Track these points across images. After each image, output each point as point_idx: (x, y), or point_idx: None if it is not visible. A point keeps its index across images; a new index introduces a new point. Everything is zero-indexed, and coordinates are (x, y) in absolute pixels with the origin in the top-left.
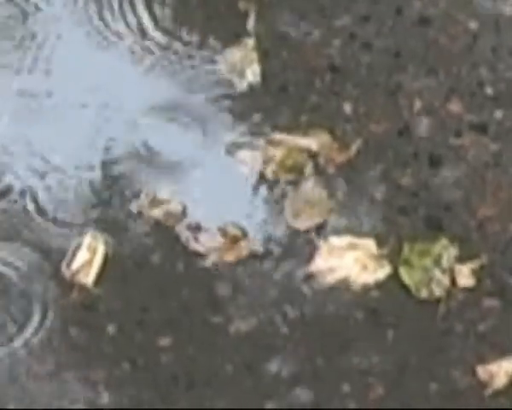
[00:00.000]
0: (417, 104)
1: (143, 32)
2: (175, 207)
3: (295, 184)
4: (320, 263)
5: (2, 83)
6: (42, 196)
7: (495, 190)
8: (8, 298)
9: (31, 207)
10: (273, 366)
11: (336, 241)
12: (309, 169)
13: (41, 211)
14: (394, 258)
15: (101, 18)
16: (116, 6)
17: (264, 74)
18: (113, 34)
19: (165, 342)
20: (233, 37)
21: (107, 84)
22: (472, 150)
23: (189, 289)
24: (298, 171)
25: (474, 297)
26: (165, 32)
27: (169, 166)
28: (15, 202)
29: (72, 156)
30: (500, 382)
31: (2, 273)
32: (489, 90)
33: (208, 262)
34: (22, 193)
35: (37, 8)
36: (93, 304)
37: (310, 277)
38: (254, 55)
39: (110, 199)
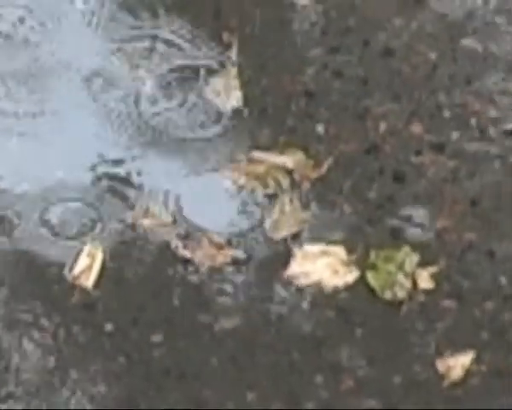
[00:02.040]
0: (382, 126)
1: None
2: (166, 217)
3: (273, 197)
4: (295, 268)
5: None
6: (45, 209)
7: (452, 204)
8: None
9: (35, 219)
10: (254, 360)
11: (310, 248)
12: (285, 184)
13: (45, 222)
14: (362, 263)
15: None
16: None
17: (245, 99)
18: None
19: (157, 338)
20: (218, 65)
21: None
22: (431, 167)
23: (179, 291)
24: (276, 186)
25: (433, 299)
26: (161, 58)
27: (160, 181)
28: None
29: (72, 173)
30: (456, 374)
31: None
32: (446, 114)
33: (196, 267)
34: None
35: None
36: (93, 304)
37: (286, 280)
38: (237, 82)
39: (107, 211)
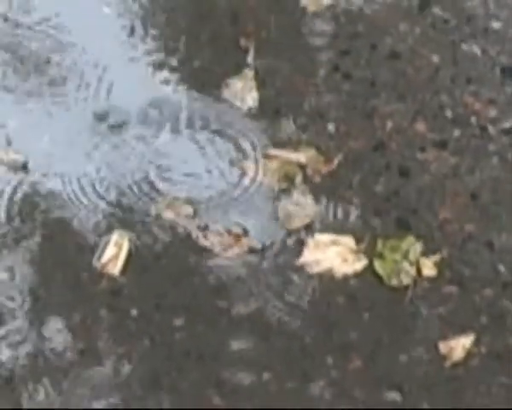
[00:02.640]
0: (389, 125)
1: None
2: (187, 210)
3: (287, 191)
4: (308, 256)
5: None
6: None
7: (453, 197)
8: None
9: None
10: (269, 342)
11: (321, 238)
12: (299, 179)
13: (75, 215)
14: (369, 252)
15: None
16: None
17: (261, 100)
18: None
19: (178, 322)
20: (236, 69)
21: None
22: (434, 163)
23: (199, 278)
24: (289, 180)
25: (436, 285)
26: (179, 63)
27: (182, 175)
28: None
29: (105, 169)
30: (458, 355)
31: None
32: (448, 113)
33: (214, 256)
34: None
35: None
36: (119, 290)
37: (299, 268)
38: (253, 84)
39: (133, 204)
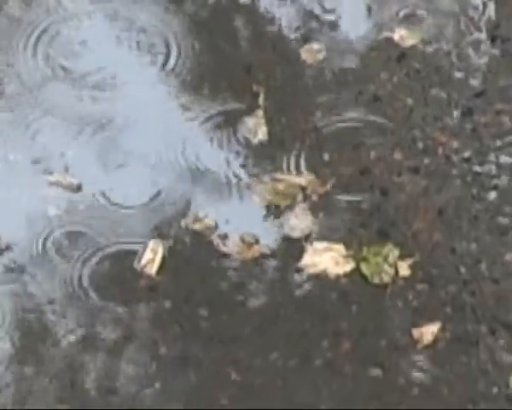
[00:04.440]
0: (372, 154)
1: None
2: (210, 222)
3: (291, 207)
4: (307, 260)
5: None
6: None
7: (424, 212)
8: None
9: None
10: (276, 329)
11: (318, 245)
12: (300, 198)
13: (119, 224)
14: (356, 257)
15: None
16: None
17: (270, 134)
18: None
19: (203, 313)
20: (249, 109)
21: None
22: (409, 185)
23: (220, 277)
24: (292, 199)
25: (410, 283)
26: (204, 106)
27: (206, 197)
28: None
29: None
30: (427, 339)
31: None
32: (420, 145)
33: (232, 260)
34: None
35: None
36: (155, 287)
37: (300, 269)
38: (263, 121)
39: (167, 217)
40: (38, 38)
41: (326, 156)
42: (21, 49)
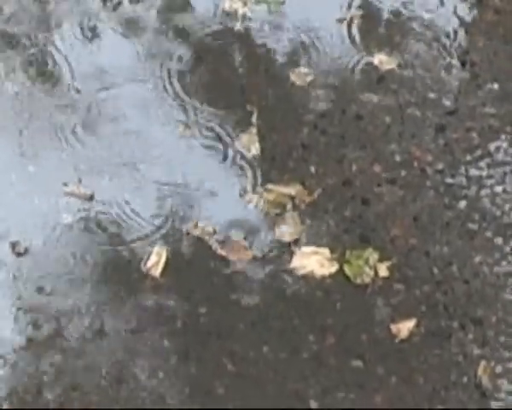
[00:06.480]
0: (354, 167)
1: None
2: (209, 228)
3: (281, 215)
4: (296, 262)
5: None
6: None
7: (401, 220)
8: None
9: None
10: (268, 324)
11: (306, 249)
12: (289, 206)
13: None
14: (340, 259)
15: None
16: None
17: (262, 149)
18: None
19: (203, 310)
20: (243, 127)
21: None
22: (387, 195)
23: (217, 278)
24: (282, 207)
25: (388, 283)
26: (200, 125)
27: (206, 205)
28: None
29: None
30: (404, 334)
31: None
32: (398, 158)
33: (228, 262)
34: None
35: None
36: (159, 288)
37: (290, 271)
38: (256, 138)
39: (170, 224)
40: None
41: (312, 169)
42: None
